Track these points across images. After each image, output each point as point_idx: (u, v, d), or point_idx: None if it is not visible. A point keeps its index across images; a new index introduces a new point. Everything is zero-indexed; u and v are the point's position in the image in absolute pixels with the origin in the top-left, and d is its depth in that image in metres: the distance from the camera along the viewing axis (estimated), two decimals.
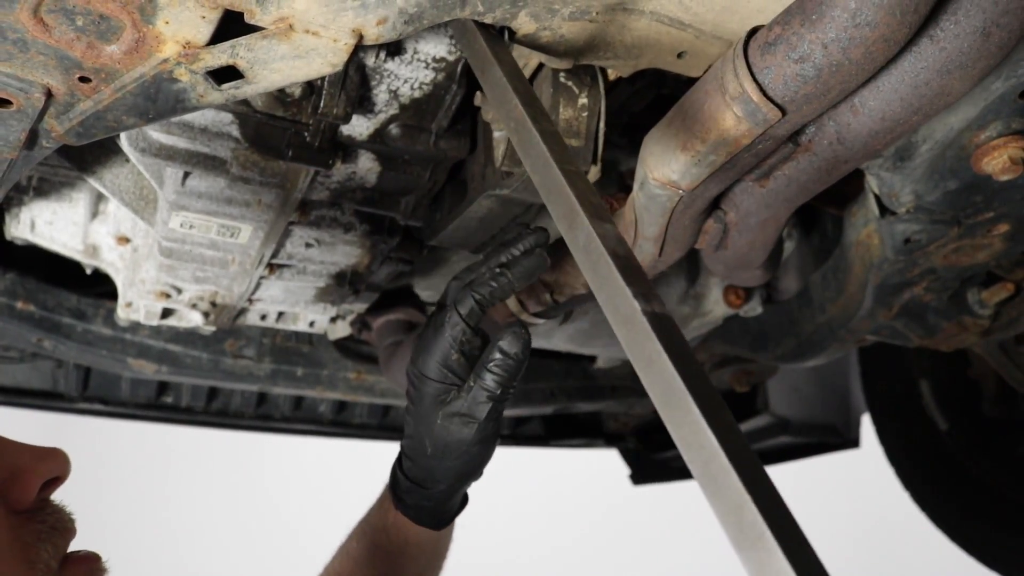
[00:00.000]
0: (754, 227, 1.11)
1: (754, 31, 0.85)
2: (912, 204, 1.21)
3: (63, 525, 0.83)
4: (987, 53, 0.78)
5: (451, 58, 1.21)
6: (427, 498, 1.14)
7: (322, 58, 0.89)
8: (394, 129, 1.32)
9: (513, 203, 1.37)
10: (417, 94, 1.26)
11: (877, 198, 1.26)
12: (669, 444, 2.85)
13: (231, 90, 0.91)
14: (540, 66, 1.18)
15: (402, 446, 1.15)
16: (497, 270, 1.03)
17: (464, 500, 1.22)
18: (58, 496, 0.86)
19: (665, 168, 0.96)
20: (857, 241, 1.43)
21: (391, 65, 1.21)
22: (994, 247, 1.35)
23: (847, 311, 1.56)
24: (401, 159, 1.39)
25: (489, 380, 1.01)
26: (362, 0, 0.83)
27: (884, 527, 4.84)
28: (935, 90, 0.82)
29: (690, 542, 4.84)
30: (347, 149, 1.35)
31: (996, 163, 1.07)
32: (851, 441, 2.61)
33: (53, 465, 0.84)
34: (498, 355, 1.00)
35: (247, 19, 0.83)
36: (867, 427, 2.61)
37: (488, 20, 0.91)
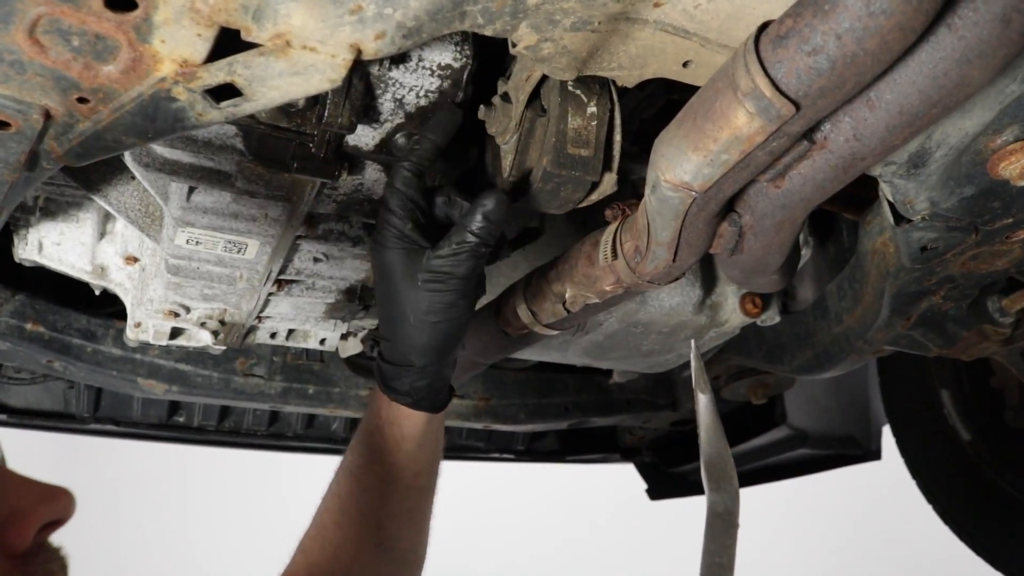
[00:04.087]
0: (770, 229, 1.08)
1: (764, 26, 0.83)
2: (928, 211, 1.18)
3: (54, 574, 0.77)
4: (1008, 41, 0.75)
5: (456, 65, 1.20)
6: (417, 378, 1.19)
7: (320, 74, 0.88)
8: (400, 138, 1.30)
9: (520, 214, 1.36)
10: (423, 102, 1.24)
11: (892, 206, 1.23)
12: (686, 458, 2.82)
13: (230, 108, 0.90)
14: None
15: (381, 333, 1.20)
16: (415, 136, 1.16)
17: (451, 390, 1.28)
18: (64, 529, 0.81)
19: (677, 169, 0.94)
20: (872, 250, 1.40)
21: (396, 73, 1.20)
22: (1014, 253, 1.32)
23: (864, 321, 1.53)
24: None
25: (470, 237, 1.10)
26: (359, 15, 0.82)
27: (907, 540, 4.78)
28: (954, 80, 0.79)
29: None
30: (353, 160, 1.34)
31: (1013, 168, 1.04)
32: (872, 453, 2.57)
33: (56, 507, 0.78)
34: (480, 216, 1.10)
35: (244, 36, 0.82)
36: (888, 438, 2.57)
37: (488, 32, 0.89)
